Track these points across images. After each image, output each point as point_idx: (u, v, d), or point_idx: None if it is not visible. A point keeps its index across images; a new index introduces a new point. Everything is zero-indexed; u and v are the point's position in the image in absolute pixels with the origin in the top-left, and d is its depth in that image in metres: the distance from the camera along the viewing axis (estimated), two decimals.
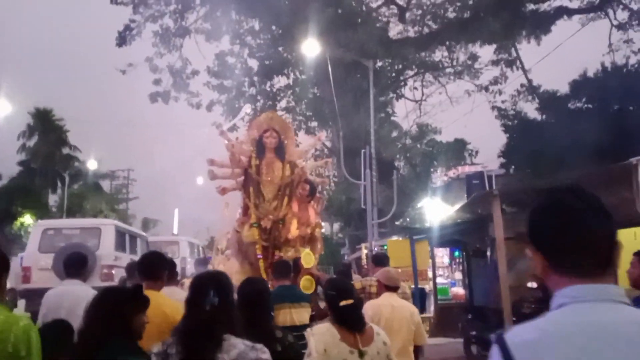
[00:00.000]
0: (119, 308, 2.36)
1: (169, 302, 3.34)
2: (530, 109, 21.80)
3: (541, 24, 20.98)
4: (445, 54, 21.60)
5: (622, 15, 21.13)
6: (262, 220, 5.83)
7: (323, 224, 7.33)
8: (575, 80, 20.06)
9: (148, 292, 2.82)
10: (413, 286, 8.23)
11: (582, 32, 23.43)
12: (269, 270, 5.59)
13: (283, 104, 21.74)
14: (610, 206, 1.23)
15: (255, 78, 21.33)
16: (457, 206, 16.14)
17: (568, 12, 21.71)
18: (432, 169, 23.06)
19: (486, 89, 21.45)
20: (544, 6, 21.38)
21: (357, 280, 5.81)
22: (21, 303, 8.99)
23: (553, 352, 1.08)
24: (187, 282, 10.58)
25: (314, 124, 21.56)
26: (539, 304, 7.17)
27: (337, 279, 3.80)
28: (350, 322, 2.90)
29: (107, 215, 28.38)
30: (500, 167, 19.67)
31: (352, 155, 15.84)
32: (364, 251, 13.01)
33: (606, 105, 17.96)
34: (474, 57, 21.20)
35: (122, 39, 20.63)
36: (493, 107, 20.80)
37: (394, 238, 11.06)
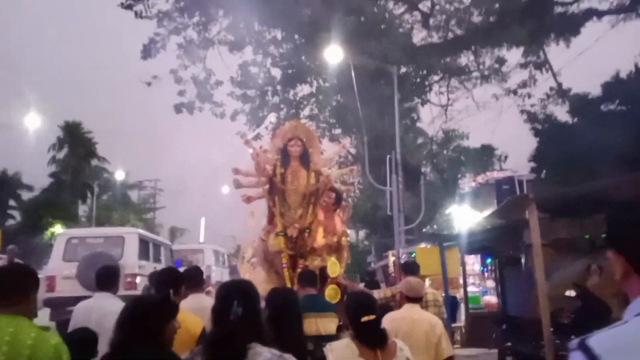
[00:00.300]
0: (146, 316, 2.34)
1: (188, 317, 3.40)
2: (561, 113, 21.28)
3: (570, 26, 20.48)
4: (471, 57, 21.25)
5: None
6: (288, 228, 5.75)
7: (348, 231, 7.18)
8: (607, 82, 19.47)
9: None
10: (444, 294, 7.93)
11: (613, 34, 22.83)
12: (295, 280, 5.49)
13: (306, 112, 21.73)
14: None
15: (278, 87, 21.35)
16: (487, 212, 15.78)
17: (597, 13, 21.15)
18: (459, 175, 22.69)
19: (514, 92, 20.99)
20: (572, 8, 20.91)
21: (387, 289, 5.72)
22: (45, 312, 8.99)
23: None
24: (212, 289, 10.52)
25: (338, 131, 21.45)
26: (578, 313, 6.82)
27: (359, 293, 3.69)
28: (371, 338, 2.82)
29: (135, 225, 28.74)
30: (531, 172, 19.14)
31: (377, 162, 15.64)
32: (391, 259, 12.75)
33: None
34: (501, 61, 20.80)
35: (147, 52, 20.90)
36: (522, 111, 20.33)
37: (422, 245, 10.77)
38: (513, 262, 8.22)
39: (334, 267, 5.60)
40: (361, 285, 7.65)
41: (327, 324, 4.38)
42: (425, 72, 20.92)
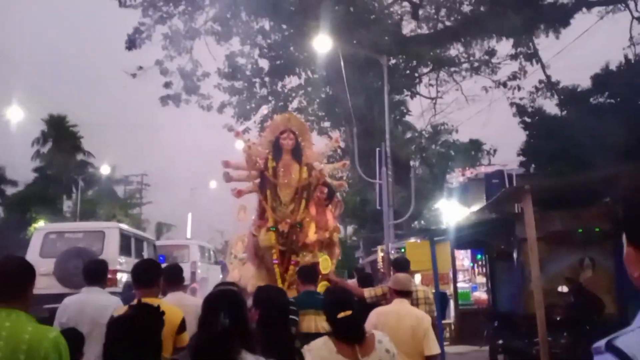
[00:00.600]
0: (154, 327, 2.27)
1: (168, 309, 3.12)
2: (550, 105, 21.18)
3: (560, 17, 20.33)
4: (461, 49, 21.02)
5: None
6: (280, 224, 5.69)
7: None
8: (597, 74, 19.40)
9: (147, 300, 2.75)
10: (434, 290, 7.72)
11: (603, 26, 22.69)
12: (285, 276, 5.53)
13: (295, 104, 21.36)
14: None
15: (266, 79, 21.00)
16: (476, 206, 15.62)
17: (587, 4, 21.03)
18: (448, 170, 22.56)
19: (504, 84, 20.83)
20: None
21: (378, 287, 5.61)
22: None
23: None
24: (197, 286, 10.22)
25: (327, 124, 21.16)
26: (571, 309, 6.66)
27: (336, 289, 3.57)
28: (348, 334, 2.80)
29: (121, 220, 28.28)
30: (520, 166, 19.02)
31: (366, 156, 15.39)
32: (380, 254, 12.52)
33: (630, 100, 17.26)
34: (491, 53, 20.60)
35: (132, 42, 20.38)
36: (512, 104, 20.17)
37: (412, 240, 10.54)
38: (504, 256, 8.04)
39: (326, 264, 5.53)
40: (351, 282, 7.52)
41: (324, 321, 4.28)
42: (414, 63, 20.66)
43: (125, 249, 9.92)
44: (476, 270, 12.39)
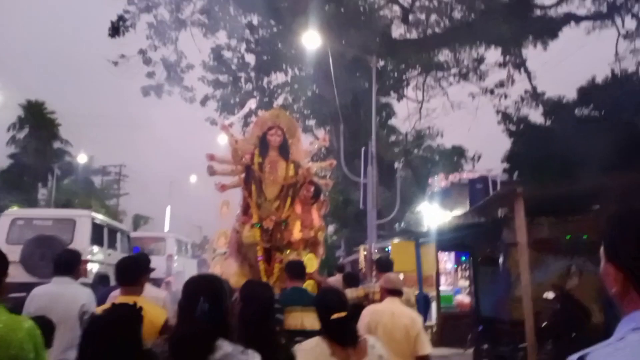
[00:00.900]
0: (134, 327, 2.14)
1: (151, 309, 3.22)
2: (535, 115, 21.32)
3: (548, 29, 20.50)
4: (450, 55, 21.04)
5: (631, 25, 20.66)
6: (264, 220, 5.61)
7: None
8: (582, 87, 19.59)
9: (129, 298, 2.69)
10: (417, 292, 7.56)
11: (590, 40, 23.01)
12: (269, 273, 5.48)
13: (280, 100, 21.11)
14: None
15: (252, 74, 20.72)
16: (459, 211, 15.59)
17: (576, 18, 21.24)
18: (430, 174, 22.58)
19: (492, 92, 20.91)
20: (552, 12, 20.91)
21: (360, 288, 5.60)
22: None
23: None
24: (172, 280, 9.88)
25: (312, 122, 20.96)
26: (557, 316, 6.55)
27: (330, 290, 3.48)
28: (342, 336, 2.73)
29: (97, 211, 27.62)
30: (504, 173, 19.08)
31: (350, 156, 15.26)
32: (362, 253, 12.36)
33: (614, 113, 17.44)
34: (479, 60, 20.66)
35: (115, 30, 19.88)
36: (498, 111, 20.25)
37: (397, 241, 10.39)
38: (490, 261, 7.93)
39: (311, 263, 5.47)
40: (332, 279, 7.45)
41: (312, 319, 4.22)
42: (403, 66, 20.61)
43: (97, 239, 9.53)
44: (459, 273, 12.30)
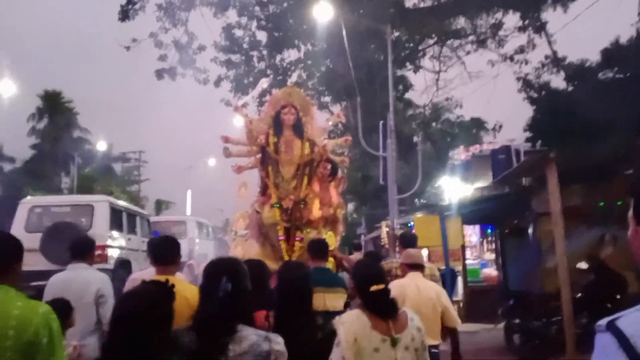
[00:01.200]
0: (161, 302, 2.13)
1: (188, 287, 3.27)
2: (557, 81, 20.60)
3: None
4: (467, 22, 20.34)
5: None
6: (283, 200, 5.60)
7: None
8: (606, 48, 18.83)
9: (164, 277, 2.61)
10: (443, 268, 7.35)
11: (612, 0, 21.97)
12: (291, 253, 5.49)
13: (294, 78, 20.79)
14: None
15: (265, 52, 20.40)
16: (481, 183, 15.23)
17: None
18: (449, 148, 22.18)
19: (511, 58, 20.21)
20: None
21: (382, 263, 5.37)
22: None
23: None
24: (194, 263, 9.86)
25: (327, 98, 20.62)
26: (591, 287, 6.29)
27: (367, 262, 3.55)
28: (382, 308, 2.73)
29: (119, 197, 27.90)
30: (526, 142, 18.55)
31: (368, 130, 14.95)
32: (385, 229, 12.13)
33: None
34: (498, 25, 19.93)
35: (125, 13, 19.70)
36: (518, 78, 19.59)
37: (419, 215, 10.12)
38: (517, 232, 7.65)
39: (331, 240, 5.42)
40: (354, 256, 7.40)
41: (336, 299, 4.21)
42: (417, 37, 20.04)
43: (116, 224, 9.46)
44: (485, 246, 11.99)
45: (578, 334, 5.53)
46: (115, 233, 9.27)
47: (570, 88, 19.82)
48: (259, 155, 5.83)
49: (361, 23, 15.86)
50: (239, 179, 6.12)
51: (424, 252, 9.60)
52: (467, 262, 10.48)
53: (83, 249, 4.23)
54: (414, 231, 8.37)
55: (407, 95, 22.72)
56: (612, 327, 1.10)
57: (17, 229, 8.77)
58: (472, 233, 12.08)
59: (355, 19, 15.95)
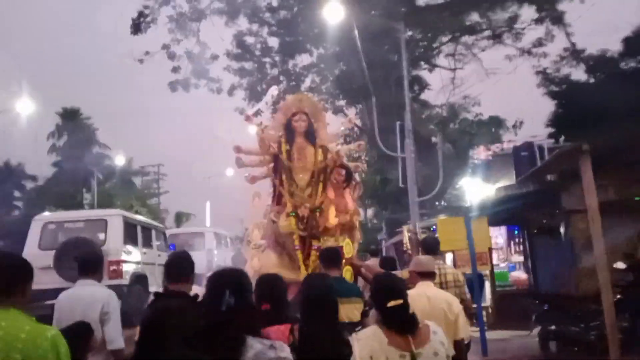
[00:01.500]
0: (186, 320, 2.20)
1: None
2: (578, 73, 20.01)
3: None
4: (481, 17, 19.90)
5: None
6: (299, 208, 5.52)
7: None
8: (627, 37, 18.25)
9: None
10: (470, 272, 6.97)
11: None
12: (308, 262, 5.41)
13: (307, 83, 20.62)
14: None
15: (277, 58, 20.27)
16: (503, 183, 14.74)
17: None
18: (469, 148, 21.73)
19: (529, 52, 19.68)
20: None
21: (404, 270, 5.23)
22: None
23: None
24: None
25: (342, 102, 20.38)
26: (629, 288, 5.86)
27: (385, 276, 3.35)
28: (400, 324, 2.62)
29: (139, 211, 27.97)
30: (549, 137, 18.00)
31: (384, 132, 14.65)
32: (406, 234, 11.76)
33: None
34: (514, 18, 19.43)
35: (137, 27, 19.78)
36: (537, 72, 19.06)
37: (442, 217, 9.73)
38: (546, 231, 7.25)
39: (349, 248, 5.41)
40: (371, 262, 7.20)
41: (351, 310, 4.12)
42: (431, 35, 19.67)
43: (130, 238, 9.31)
44: (512, 248, 11.52)
45: (619, 337, 5.13)
46: (130, 247, 9.11)
47: (592, 80, 19.24)
48: (272, 165, 5.76)
49: (373, 23, 15.61)
50: (253, 189, 6.15)
51: (449, 257, 9.22)
52: (495, 265, 10.06)
53: (91, 264, 4.15)
54: (437, 235, 8.01)
55: (423, 96, 22.38)
56: None
57: (31, 246, 8.67)
58: (498, 235, 11.62)
59: (367, 19, 15.71)
